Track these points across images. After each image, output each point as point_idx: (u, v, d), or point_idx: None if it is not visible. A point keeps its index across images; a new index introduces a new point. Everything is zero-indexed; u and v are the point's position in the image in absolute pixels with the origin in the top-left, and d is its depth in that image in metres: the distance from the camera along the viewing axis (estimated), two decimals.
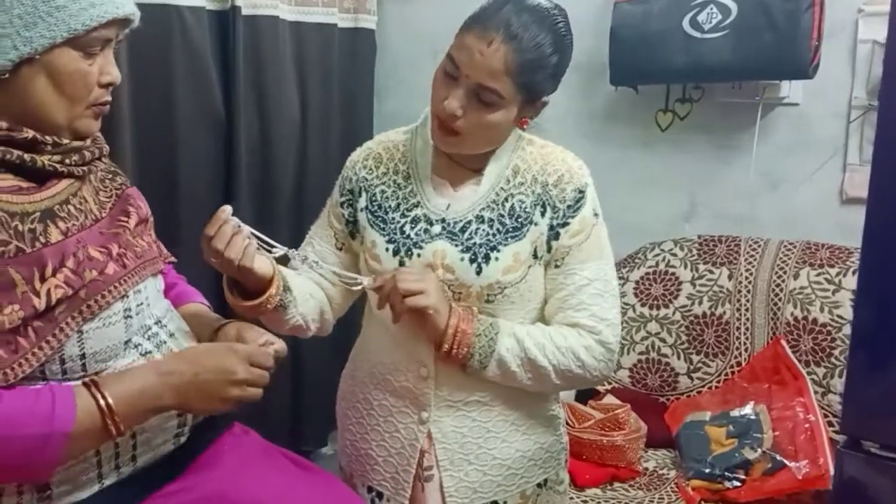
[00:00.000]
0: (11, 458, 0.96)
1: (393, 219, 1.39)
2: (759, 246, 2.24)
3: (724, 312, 2.21)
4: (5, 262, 0.96)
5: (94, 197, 1.12)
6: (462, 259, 1.33)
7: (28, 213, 0.99)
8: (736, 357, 2.19)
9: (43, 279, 0.99)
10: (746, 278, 2.21)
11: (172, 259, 1.36)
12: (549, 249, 1.35)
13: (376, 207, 1.41)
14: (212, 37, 2.24)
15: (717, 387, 2.19)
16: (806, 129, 2.26)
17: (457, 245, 1.34)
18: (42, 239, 0.99)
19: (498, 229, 1.34)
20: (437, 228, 1.36)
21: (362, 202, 1.43)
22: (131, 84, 1.98)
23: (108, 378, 1.04)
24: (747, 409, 2.01)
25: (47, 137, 1.04)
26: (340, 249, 1.49)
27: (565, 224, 1.34)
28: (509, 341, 1.32)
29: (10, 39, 0.98)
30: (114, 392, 1.01)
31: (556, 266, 1.36)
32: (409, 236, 1.37)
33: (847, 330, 2.04)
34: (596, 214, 1.37)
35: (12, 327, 0.96)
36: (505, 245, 1.33)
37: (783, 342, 2.11)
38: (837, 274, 2.10)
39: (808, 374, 2.05)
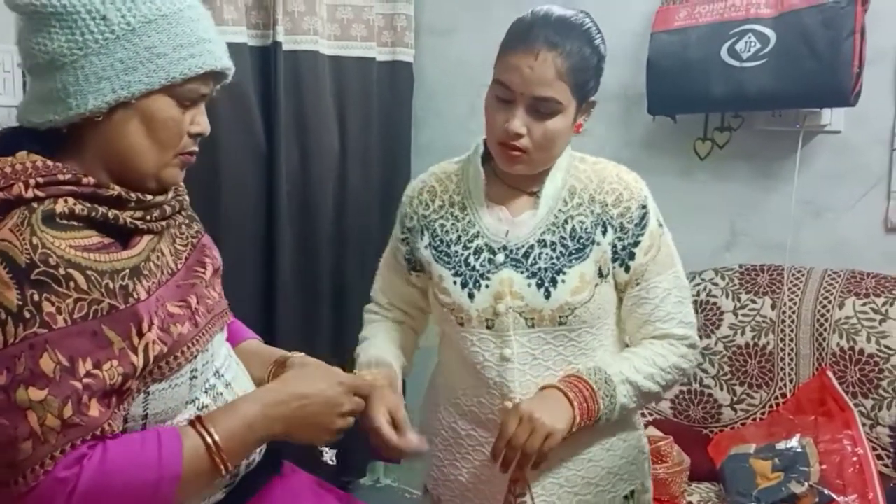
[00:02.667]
0: None
1: (456, 252, 1.41)
2: (803, 275, 2.21)
3: (768, 343, 2.17)
4: (99, 322, 0.95)
5: (170, 247, 1.11)
6: (529, 285, 1.35)
7: (118, 271, 0.98)
8: (780, 388, 2.15)
9: (140, 335, 0.98)
10: (790, 308, 2.17)
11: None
12: (627, 270, 1.38)
13: (438, 242, 1.44)
14: (254, 72, 2.29)
15: (761, 419, 2.15)
16: (848, 156, 2.23)
17: (522, 272, 1.36)
18: (134, 295, 0.99)
19: (561, 252, 1.36)
20: (500, 257, 1.38)
21: (425, 240, 1.45)
22: None
23: (213, 414, 1.04)
24: (793, 442, 1.97)
25: (132, 194, 1.04)
26: (408, 283, 1.53)
27: (637, 243, 1.37)
28: (624, 388, 1.34)
29: (109, 82, 0.99)
30: (220, 428, 1.01)
31: (637, 284, 1.39)
32: (474, 268, 1.39)
33: (895, 361, 2.00)
34: (660, 224, 1.41)
35: (112, 384, 0.95)
36: (570, 267, 1.35)
37: (829, 373, 2.07)
38: (884, 304, 2.06)
39: (856, 405, 2.01)
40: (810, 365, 2.13)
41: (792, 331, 2.15)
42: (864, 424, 1.97)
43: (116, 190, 1.02)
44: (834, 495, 1.81)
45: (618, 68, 2.42)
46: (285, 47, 2.32)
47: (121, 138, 1.03)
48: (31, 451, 0.90)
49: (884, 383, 2.00)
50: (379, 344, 1.49)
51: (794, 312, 2.16)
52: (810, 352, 2.13)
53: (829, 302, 2.13)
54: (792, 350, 2.15)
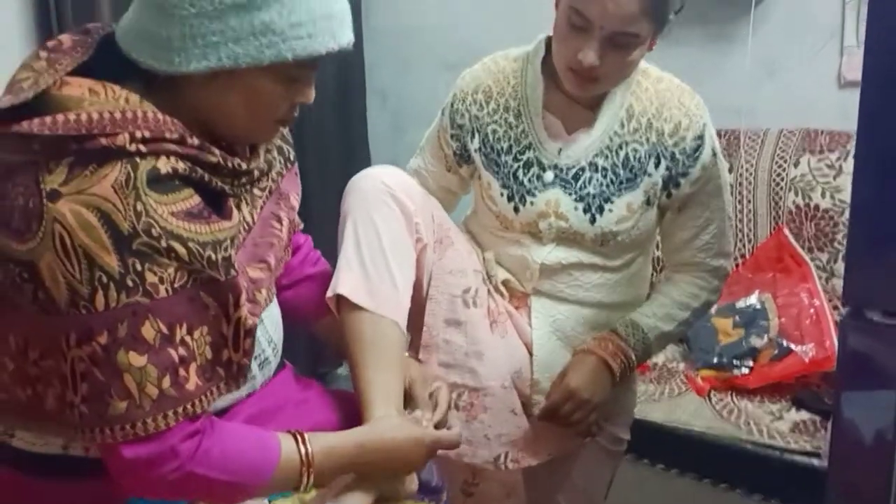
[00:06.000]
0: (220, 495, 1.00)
1: (506, 162, 1.39)
2: (759, 137, 2.23)
3: None
4: (197, 289, 0.93)
5: (246, 197, 1.07)
6: (576, 209, 1.35)
7: (220, 242, 0.95)
8: (740, 249, 2.20)
9: (237, 306, 0.97)
10: (747, 170, 2.20)
11: (301, 227, 1.30)
12: (669, 196, 1.37)
13: (489, 149, 1.41)
14: None
15: None
16: (801, 12, 2.22)
17: (570, 194, 1.36)
18: (235, 267, 0.97)
19: (611, 179, 1.35)
20: (549, 175, 1.37)
21: (475, 143, 1.43)
22: None
23: (309, 434, 1.05)
24: (752, 299, 2.04)
25: (229, 162, 0.98)
26: (449, 171, 1.51)
27: (686, 174, 1.36)
28: (659, 343, 1.41)
29: (215, 50, 0.91)
30: (315, 445, 1.03)
31: (679, 210, 1.39)
32: (522, 183, 1.38)
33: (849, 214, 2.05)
34: (715, 154, 1.38)
35: (200, 353, 0.95)
36: (618, 196, 1.35)
37: (786, 230, 2.12)
38: (838, 159, 2.09)
39: (812, 259, 2.07)
40: (768, 224, 2.18)
41: (749, 192, 2.19)
42: (820, 277, 2.04)
43: (216, 157, 0.97)
44: (792, 345, 1.89)
45: None
46: None
47: (217, 102, 0.97)
48: (123, 410, 0.90)
49: (839, 236, 2.06)
50: None
51: (751, 174, 2.20)
52: (767, 212, 2.17)
53: (785, 161, 2.16)
54: (750, 211, 2.20)
